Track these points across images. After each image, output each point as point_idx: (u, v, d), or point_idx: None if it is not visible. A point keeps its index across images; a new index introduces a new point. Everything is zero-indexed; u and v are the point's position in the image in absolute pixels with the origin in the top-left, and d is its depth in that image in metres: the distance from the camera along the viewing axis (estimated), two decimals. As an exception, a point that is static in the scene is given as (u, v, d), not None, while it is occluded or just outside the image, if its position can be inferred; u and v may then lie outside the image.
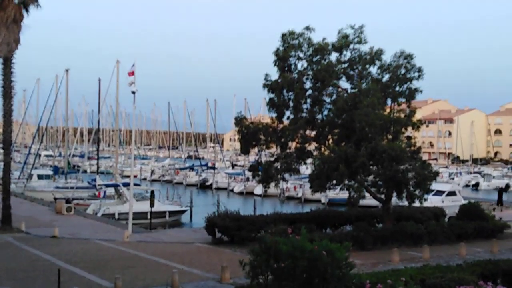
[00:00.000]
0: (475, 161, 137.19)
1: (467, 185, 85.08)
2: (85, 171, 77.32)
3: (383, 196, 30.45)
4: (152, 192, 39.99)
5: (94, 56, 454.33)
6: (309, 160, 32.30)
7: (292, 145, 32.08)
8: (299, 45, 30.27)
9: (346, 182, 29.14)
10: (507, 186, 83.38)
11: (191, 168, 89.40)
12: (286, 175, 32.52)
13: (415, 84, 31.04)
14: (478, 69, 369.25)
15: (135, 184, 41.38)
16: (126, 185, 42.05)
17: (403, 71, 30.69)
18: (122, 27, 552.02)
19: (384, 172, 27.84)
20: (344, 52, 30.72)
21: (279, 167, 30.88)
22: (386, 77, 30.98)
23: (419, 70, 30.71)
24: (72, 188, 54.53)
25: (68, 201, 42.13)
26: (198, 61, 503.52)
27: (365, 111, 27.18)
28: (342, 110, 28.81)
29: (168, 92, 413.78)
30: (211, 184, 78.07)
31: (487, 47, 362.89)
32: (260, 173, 31.33)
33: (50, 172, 65.79)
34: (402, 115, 30.91)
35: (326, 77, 29.38)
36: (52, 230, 30.61)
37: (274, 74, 30.81)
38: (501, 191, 55.10)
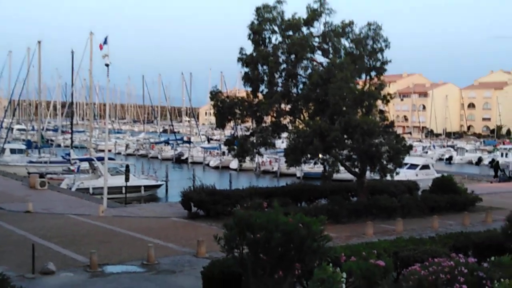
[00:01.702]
0: (448, 134, 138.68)
1: (440, 159, 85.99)
2: (58, 145, 76.39)
3: (357, 170, 30.66)
4: (127, 166, 39.74)
5: (67, 28, 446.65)
6: (285, 134, 32.31)
7: (268, 119, 32.05)
8: (273, 18, 30.07)
9: (321, 156, 29.29)
10: (480, 159, 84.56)
11: (167, 142, 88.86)
12: (262, 149, 32.54)
13: (384, 56, 31.05)
14: (453, 44, 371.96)
15: (109, 159, 41.06)
16: (101, 159, 41.71)
17: (370, 42, 30.62)
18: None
19: (358, 146, 28.01)
20: (316, 25, 30.59)
21: (254, 141, 30.86)
22: (357, 50, 30.89)
23: (385, 40, 30.68)
24: (45, 162, 53.96)
25: (41, 175, 41.68)
26: (173, 33, 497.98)
27: (339, 85, 27.20)
28: (316, 84, 28.79)
29: (142, 65, 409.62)
30: (187, 159, 77.74)
31: (462, 22, 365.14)
32: (235, 147, 31.30)
33: (23, 146, 64.94)
34: (374, 89, 30.97)
35: (299, 50, 29.27)
36: (26, 205, 30.33)
37: (249, 48, 30.67)
38: (497, 165, 55.55)
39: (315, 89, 29.28)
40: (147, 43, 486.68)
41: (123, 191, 37.90)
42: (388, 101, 31.34)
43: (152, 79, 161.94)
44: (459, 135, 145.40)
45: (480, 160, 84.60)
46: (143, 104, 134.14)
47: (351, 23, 30.60)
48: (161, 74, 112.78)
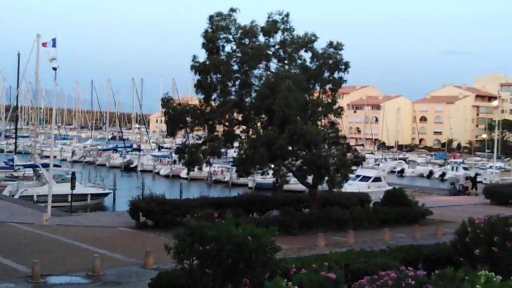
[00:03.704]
0: (400, 147, 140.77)
1: (392, 171, 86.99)
2: (1, 151, 74.33)
3: (310, 181, 30.57)
4: (73, 173, 38.84)
5: (14, 30, 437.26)
6: (237, 144, 32.08)
7: (220, 128, 31.73)
8: (227, 27, 29.84)
9: (273, 166, 29.11)
10: (431, 172, 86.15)
11: (115, 149, 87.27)
12: (214, 159, 32.19)
13: (341, 74, 31.22)
14: (406, 57, 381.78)
15: (55, 165, 40.07)
16: (46, 166, 40.63)
17: (331, 61, 30.72)
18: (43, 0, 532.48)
19: (305, 156, 27.93)
20: (275, 35, 30.51)
21: (206, 150, 30.47)
22: (316, 64, 30.92)
23: (346, 64, 30.79)
24: (-14, 168, 52.20)
25: (-18, 182, 40.24)
26: (123, 38, 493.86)
27: (284, 95, 27.11)
28: (264, 95, 28.64)
29: (91, 69, 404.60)
30: (136, 167, 76.59)
31: (414, 37, 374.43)
32: (186, 156, 30.85)
33: (-37, 151, 62.75)
34: (326, 100, 31.04)
35: (248, 60, 29.08)
36: (-35, 213, 29.15)
37: (203, 56, 30.32)
38: (474, 178, 56.44)
39: (263, 100, 29.10)
40: (96, 47, 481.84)
41: (69, 199, 36.95)
42: (340, 114, 31.46)
43: (101, 84, 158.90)
44: (410, 148, 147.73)
45: (431, 173, 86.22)
46: (91, 110, 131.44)
47: (313, 36, 30.51)
48: (111, 79, 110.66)
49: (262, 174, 31.09)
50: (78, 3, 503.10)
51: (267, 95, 28.31)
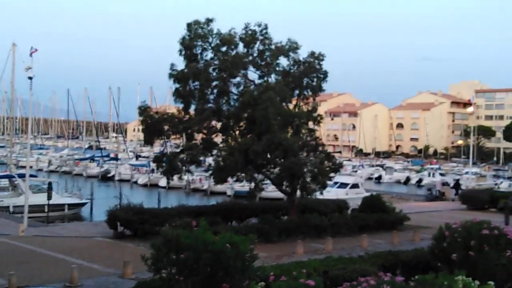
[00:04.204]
0: (377, 154, 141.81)
1: (369, 178, 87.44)
2: (-24, 161, 73.09)
3: (288, 189, 30.62)
4: (50, 183, 38.47)
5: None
6: (215, 152, 32.07)
7: (199, 136, 31.70)
8: (205, 35, 29.86)
9: (251, 174, 29.12)
10: (408, 179, 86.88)
11: (92, 159, 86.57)
12: (192, 167, 32.10)
13: (320, 83, 31.48)
14: (382, 65, 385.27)
15: (31, 175, 39.57)
16: (22, 176, 40.12)
17: (311, 70, 30.94)
18: (19, 5, 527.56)
19: (282, 163, 28.02)
20: (253, 45, 30.61)
21: (185, 158, 30.39)
22: (296, 71, 31.07)
23: (325, 73, 31.13)
24: (-39, 179, 51.28)
25: (-43, 193, 39.58)
26: (99, 46, 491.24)
27: (264, 106, 27.19)
28: (248, 104, 28.68)
29: (67, 78, 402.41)
30: (114, 176, 76.07)
31: (391, 43, 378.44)
32: (165, 164, 30.72)
33: None
34: (305, 108, 31.21)
35: (230, 68, 29.13)
36: None
37: (180, 64, 30.26)
38: (457, 184, 57.25)
39: (246, 108, 29.14)
40: (72, 55, 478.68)
41: (46, 209, 36.48)
42: (319, 122, 31.65)
43: (77, 93, 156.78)
44: (387, 154, 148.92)
45: (408, 179, 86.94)
46: (68, 119, 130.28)
47: (295, 44, 30.65)
48: (87, 88, 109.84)
49: (237, 181, 31.07)
50: (53, 12, 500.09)
51: (251, 104, 28.38)
